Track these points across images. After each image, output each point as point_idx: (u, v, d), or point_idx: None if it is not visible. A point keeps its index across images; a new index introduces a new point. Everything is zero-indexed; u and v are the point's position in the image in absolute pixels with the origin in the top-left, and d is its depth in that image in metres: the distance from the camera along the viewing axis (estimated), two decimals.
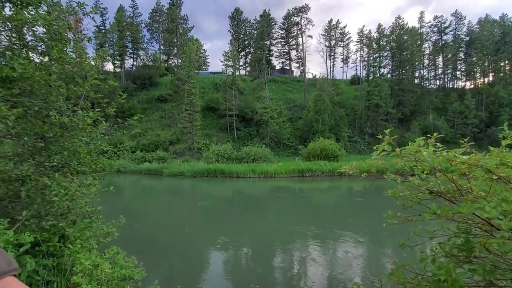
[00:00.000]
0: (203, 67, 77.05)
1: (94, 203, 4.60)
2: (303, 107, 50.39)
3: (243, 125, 46.35)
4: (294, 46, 69.98)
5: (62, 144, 3.92)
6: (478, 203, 1.51)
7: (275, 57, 73.01)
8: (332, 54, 69.46)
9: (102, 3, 62.15)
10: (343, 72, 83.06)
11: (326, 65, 69.88)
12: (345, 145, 41.07)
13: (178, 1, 60.58)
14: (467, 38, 60.47)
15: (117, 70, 61.36)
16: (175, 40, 58.90)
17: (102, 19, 61.34)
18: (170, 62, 65.06)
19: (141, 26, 65.58)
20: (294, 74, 71.15)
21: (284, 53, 72.54)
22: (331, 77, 66.15)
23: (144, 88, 55.90)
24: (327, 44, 68.34)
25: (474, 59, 58.03)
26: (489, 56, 57.04)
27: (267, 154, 34.55)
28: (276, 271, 7.31)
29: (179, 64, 57.34)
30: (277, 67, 73.74)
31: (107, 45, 58.74)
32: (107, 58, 56.04)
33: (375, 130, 45.91)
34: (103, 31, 59.77)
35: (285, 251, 8.66)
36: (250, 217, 14.07)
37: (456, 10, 62.13)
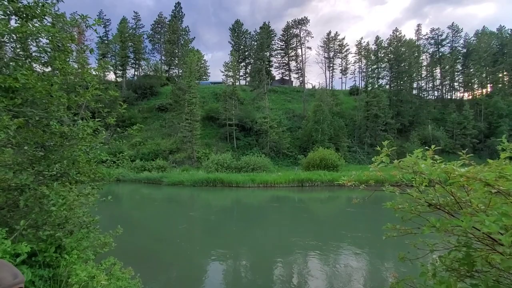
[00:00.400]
0: (204, 77, 77.81)
1: (92, 212, 4.57)
2: (302, 117, 50.63)
3: (242, 134, 46.46)
4: (294, 57, 70.95)
5: (62, 153, 3.92)
6: (477, 216, 1.50)
7: (275, 68, 73.90)
8: (331, 65, 70.33)
9: (105, 15, 63.57)
10: (342, 82, 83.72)
11: (325, 75, 70.72)
12: (345, 155, 41.03)
13: (180, 14, 61.81)
14: (464, 50, 61.38)
15: (119, 79, 61.97)
16: (177, 51, 59.75)
17: (105, 30, 62.37)
18: (171, 72, 65.80)
19: (143, 37, 66.63)
20: (293, 85, 71.79)
21: (284, 64, 73.46)
22: (330, 88, 66.70)
23: (145, 97, 56.33)
24: (326, 56, 69.29)
25: (471, 70, 58.69)
26: (487, 68, 57.73)
27: (266, 163, 34.48)
28: (276, 284, 7.18)
29: (180, 74, 57.98)
30: (277, 78, 74.50)
31: (109, 56, 59.52)
32: (109, 68, 56.90)
33: (374, 140, 45.99)
34: (106, 41, 60.68)
35: (285, 263, 8.53)
36: (249, 228, 13.92)
37: (453, 23, 63.51)
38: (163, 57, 67.18)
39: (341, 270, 7.95)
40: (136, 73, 67.76)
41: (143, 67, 68.99)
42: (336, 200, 23.42)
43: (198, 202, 23.18)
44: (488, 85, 59.70)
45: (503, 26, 64.22)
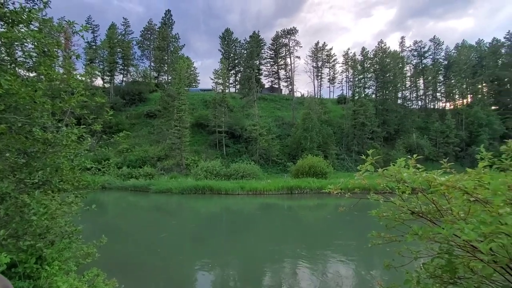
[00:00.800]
0: (193, 84, 77.67)
1: (75, 222, 4.43)
2: (291, 124, 51.11)
3: (232, 141, 46.37)
4: (283, 66, 72.09)
5: (45, 161, 3.81)
6: (457, 224, 1.56)
7: (264, 76, 74.80)
8: (319, 74, 71.73)
9: (94, 20, 62.80)
10: (330, 91, 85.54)
11: (314, 84, 72.07)
12: (333, 163, 41.53)
13: (170, 21, 61.86)
14: (446, 62, 64.03)
15: (107, 85, 60.99)
16: (166, 58, 59.53)
17: (93, 35, 61.62)
18: (160, 79, 65.35)
19: (132, 43, 66.19)
20: (282, 93, 72.68)
21: (273, 72, 74.46)
22: (319, 96, 67.88)
23: (133, 103, 55.56)
24: (314, 65, 70.71)
25: (453, 81, 61.19)
26: (467, 79, 60.33)
27: (256, 171, 34.44)
28: None
29: (169, 80, 57.62)
30: (266, 86, 75.27)
31: (97, 61, 58.67)
32: (97, 73, 55.97)
33: (361, 148, 46.84)
34: (94, 47, 59.85)
35: (273, 272, 8.47)
36: (238, 236, 13.78)
37: (434, 36, 66.18)
38: (152, 64, 66.78)
39: (329, 279, 7.95)
40: (124, 79, 67.00)
41: (132, 73, 68.36)
42: (325, 208, 23.56)
43: (186, 210, 22.80)
44: (469, 95, 62.32)
45: (482, 39, 67.70)
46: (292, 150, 44.20)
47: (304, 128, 42.87)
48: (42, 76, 3.65)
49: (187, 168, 38.53)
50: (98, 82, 61.65)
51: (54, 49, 3.67)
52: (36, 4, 3.48)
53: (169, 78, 58.04)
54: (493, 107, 58.67)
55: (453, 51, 65.17)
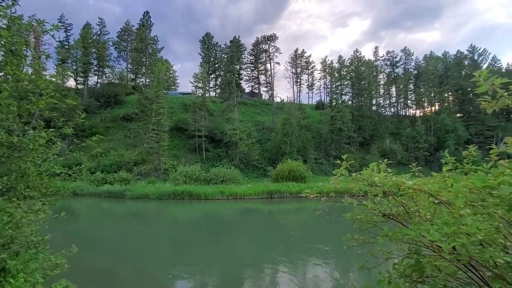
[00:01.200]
0: (172, 87, 76.29)
1: (42, 230, 4.18)
2: (271, 129, 51.60)
3: (212, 146, 45.91)
4: (263, 71, 72.83)
5: (9, 166, 3.58)
6: (423, 225, 1.66)
7: (245, 81, 75.08)
8: (298, 80, 73.20)
9: (67, 19, 59.97)
10: (308, 97, 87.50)
11: (293, 90, 73.24)
12: (312, 167, 42.33)
13: (149, 23, 60.53)
14: (415, 72, 67.94)
15: (80, 86, 58.30)
16: (144, 60, 58.03)
17: (66, 34, 58.79)
18: (137, 81, 63.51)
19: (108, 44, 63.92)
20: (263, 98, 73.32)
21: (254, 78, 74.96)
22: (298, 102, 69.17)
23: (108, 106, 53.43)
24: (294, 71, 72.07)
25: (422, 90, 65.02)
26: (435, 88, 64.36)
27: (236, 175, 34.28)
28: None
29: (147, 83, 56.18)
30: (247, 90, 75.61)
31: (70, 61, 56.00)
32: (69, 74, 53.39)
33: (339, 152, 48.22)
34: (67, 46, 57.10)
35: (252, 279, 8.43)
36: (217, 242, 13.58)
37: (405, 47, 69.98)
38: (129, 65, 64.85)
39: (307, 283, 8.05)
40: (99, 80, 64.41)
41: (107, 74, 65.91)
42: (304, 212, 23.90)
43: (164, 216, 22.17)
44: (436, 103, 66.49)
45: (447, 51, 72.80)
46: (272, 154, 44.56)
47: (284, 133, 43.45)
48: (9, 76, 3.45)
49: (166, 173, 37.56)
50: (71, 83, 58.89)
51: (23, 48, 3.49)
52: (3, 1, 3.29)
53: (147, 80, 56.59)
54: (458, 115, 63.06)
55: (422, 61, 69.41)
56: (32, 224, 3.94)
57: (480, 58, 69.95)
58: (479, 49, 70.34)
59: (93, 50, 59.15)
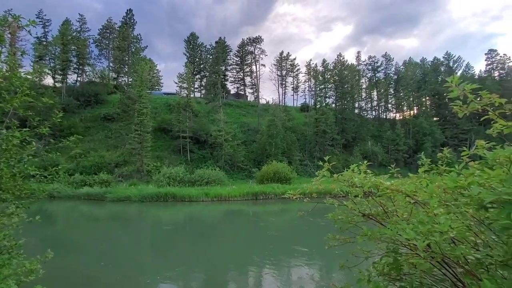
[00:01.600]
0: (156, 87, 74.85)
1: (16, 235, 3.98)
2: (256, 131, 51.72)
3: (197, 147, 45.38)
4: (248, 73, 73.00)
5: None
6: (400, 224, 1.73)
7: (230, 82, 74.94)
8: (284, 82, 73.77)
9: (46, 15, 57.45)
10: (293, 99, 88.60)
11: (278, 92, 73.65)
12: (297, 168, 42.80)
13: (132, 21, 59.12)
14: (395, 77, 70.48)
15: (58, 85, 55.91)
16: (127, 59, 56.56)
17: (44, 30, 56.29)
18: (119, 80, 61.69)
19: (89, 41, 61.82)
20: (248, 99, 73.39)
21: (239, 79, 74.96)
22: (283, 104, 69.75)
23: (88, 105, 51.58)
24: (279, 74, 72.59)
25: (401, 94, 67.52)
26: (413, 92, 67.01)
27: (221, 177, 34.07)
28: None
29: (129, 82, 54.74)
30: (232, 92, 75.43)
31: (47, 58, 53.65)
32: (46, 72, 51.10)
33: (323, 154, 49.04)
34: (44, 43, 54.66)
35: (237, 282, 8.39)
36: (201, 245, 13.42)
37: (386, 52, 72.49)
38: (111, 64, 62.94)
39: (291, 284, 8.12)
40: (79, 79, 62.11)
41: (88, 73, 63.68)
42: (288, 213, 24.09)
43: (146, 219, 21.65)
44: (415, 107, 69.19)
45: (425, 58, 76.00)
46: (257, 156, 44.67)
47: (269, 134, 43.68)
48: None
49: (149, 174, 36.72)
50: (49, 81, 56.34)
51: None
52: None
53: (130, 80, 55.15)
54: (435, 118, 65.97)
55: (402, 67, 72.15)
56: (5, 228, 3.76)
57: (455, 65, 73.60)
58: (454, 56, 74.00)
59: (73, 47, 57.01)
